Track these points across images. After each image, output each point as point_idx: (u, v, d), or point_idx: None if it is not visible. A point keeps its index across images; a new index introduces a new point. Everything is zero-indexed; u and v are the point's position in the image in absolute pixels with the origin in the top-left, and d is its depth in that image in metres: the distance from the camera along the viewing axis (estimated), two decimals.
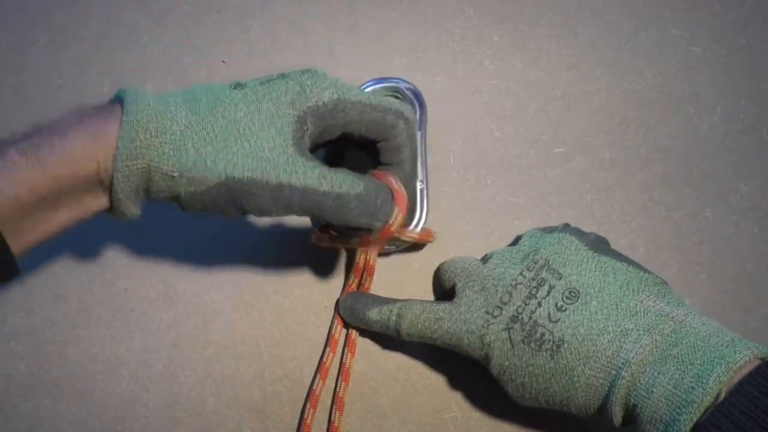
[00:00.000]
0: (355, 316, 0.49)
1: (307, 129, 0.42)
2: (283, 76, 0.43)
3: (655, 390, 0.38)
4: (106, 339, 0.52)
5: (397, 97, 0.54)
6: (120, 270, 0.53)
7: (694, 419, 0.36)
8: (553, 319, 0.42)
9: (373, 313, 0.48)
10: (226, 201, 0.41)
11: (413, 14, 0.57)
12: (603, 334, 0.41)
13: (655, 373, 0.38)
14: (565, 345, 0.41)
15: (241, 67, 0.56)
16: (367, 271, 0.50)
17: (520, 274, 0.44)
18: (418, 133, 0.52)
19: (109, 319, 0.52)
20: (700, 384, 0.37)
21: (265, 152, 0.40)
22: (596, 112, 0.56)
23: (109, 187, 0.39)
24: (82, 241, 0.53)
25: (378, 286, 0.51)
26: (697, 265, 0.53)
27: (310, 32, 0.57)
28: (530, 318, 0.43)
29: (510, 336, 0.43)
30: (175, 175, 0.39)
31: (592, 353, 0.40)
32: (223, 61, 0.57)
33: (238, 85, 0.42)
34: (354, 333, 0.50)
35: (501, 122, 0.56)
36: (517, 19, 0.57)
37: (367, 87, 0.53)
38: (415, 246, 0.52)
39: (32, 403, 0.51)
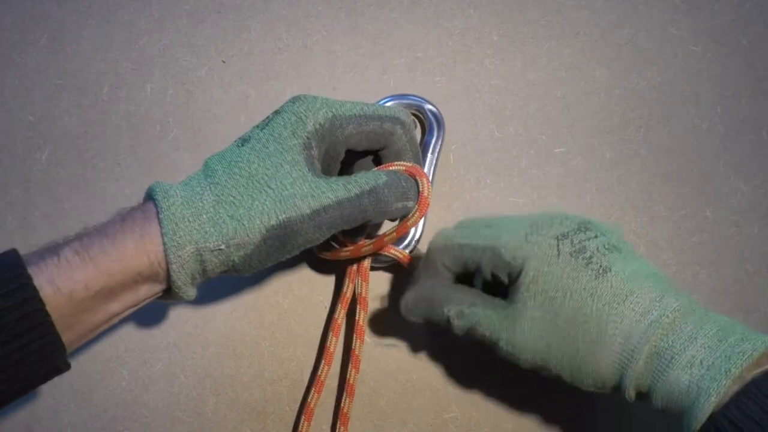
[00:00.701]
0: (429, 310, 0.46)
1: (315, 152, 0.43)
2: (277, 113, 0.44)
3: (698, 338, 0.39)
4: (106, 339, 0.52)
5: (419, 117, 0.54)
6: None
7: (741, 366, 0.37)
8: (602, 252, 0.42)
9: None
10: (277, 249, 0.42)
11: (413, 14, 0.57)
12: (649, 278, 0.41)
13: (697, 327, 0.39)
14: (612, 272, 0.41)
15: (241, 67, 0.56)
16: (362, 276, 0.50)
17: (567, 226, 0.44)
18: (430, 156, 0.52)
19: None
20: (747, 341, 0.38)
21: (287, 189, 0.41)
22: (596, 112, 0.56)
23: (166, 279, 0.41)
24: None
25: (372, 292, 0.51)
26: (697, 265, 0.53)
27: (310, 32, 0.57)
28: (580, 241, 0.43)
29: (558, 245, 0.43)
30: (223, 247, 0.41)
31: (636, 289, 0.41)
32: (223, 61, 0.57)
33: (243, 142, 0.44)
34: (362, 318, 0.49)
35: (501, 122, 0.56)
36: (517, 19, 0.57)
37: (386, 103, 0.53)
38: (399, 265, 0.51)
39: (32, 403, 0.51)
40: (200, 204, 0.41)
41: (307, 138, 0.43)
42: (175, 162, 0.55)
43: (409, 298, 0.46)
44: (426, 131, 0.53)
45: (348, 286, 0.50)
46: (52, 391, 0.51)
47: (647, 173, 0.55)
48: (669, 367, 0.39)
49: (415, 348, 0.52)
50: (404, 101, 0.54)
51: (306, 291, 0.53)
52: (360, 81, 0.56)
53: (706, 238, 0.54)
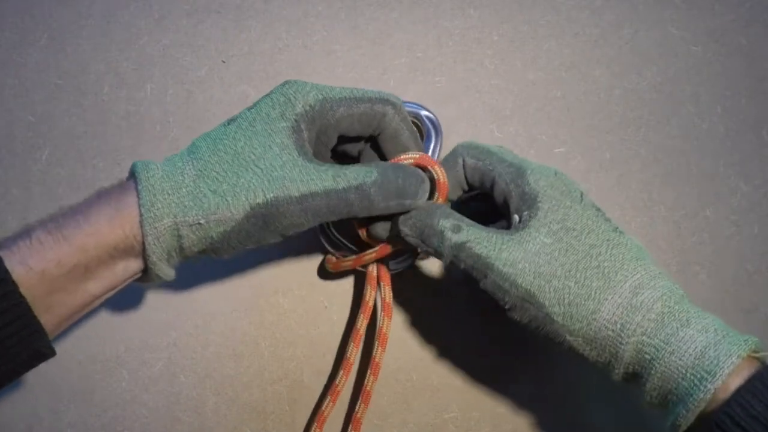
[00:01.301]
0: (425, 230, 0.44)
1: (305, 135, 0.43)
2: (266, 95, 0.44)
3: (709, 315, 0.39)
4: (106, 339, 0.52)
5: (416, 125, 0.54)
6: None
7: (751, 347, 0.37)
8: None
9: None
10: (260, 229, 0.41)
11: (413, 14, 0.57)
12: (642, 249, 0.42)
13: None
14: (628, 237, 0.42)
15: (241, 67, 0.56)
16: (383, 280, 0.48)
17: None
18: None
19: (109, 319, 0.52)
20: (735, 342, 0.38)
21: (277, 170, 0.41)
22: (596, 112, 0.56)
23: (141, 253, 0.41)
24: None
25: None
26: (697, 265, 0.53)
27: (310, 32, 0.57)
28: (600, 208, 0.44)
29: (582, 195, 0.44)
30: (202, 221, 0.40)
31: (648, 258, 0.42)
32: (223, 61, 0.57)
33: (230, 121, 0.43)
34: (386, 326, 0.48)
35: (501, 122, 0.56)
36: (517, 19, 0.57)
37: None
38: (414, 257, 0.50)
39: (32, 403, 0.51)
40: (180, 178, 0.41)
41: (296, 120, 0.42)
42: None
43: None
44: (424, 138, 0.52)
45: (369, 293, 0.48)
46: (52, 391, 0.51)
47: (647, 173, 0.55)
48: (684, 327, 0.38)
49: (415, 348, 0.52)
50: None
51: (306, 291, 0.53)
52: (360, 81, 0.56)
53: (706, 238, 0.54)
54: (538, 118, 0.56)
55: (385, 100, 0.45)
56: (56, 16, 0.57)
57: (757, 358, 0.38)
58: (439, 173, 0.45)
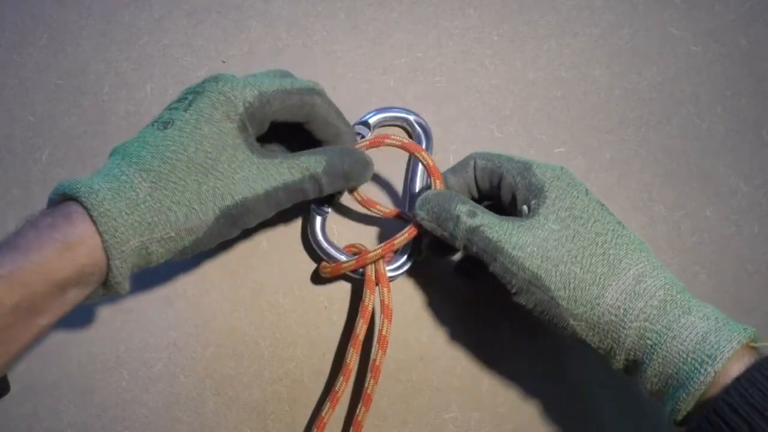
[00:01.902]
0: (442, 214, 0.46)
1: (251, 131, 0.44)
2: (198, 93, 0.43)
3: (710, 306, 0.40)
4: (106, 339, 0.52)
5: (406, 130, 0.54)
6: None
7: (749, 337, 0.38)
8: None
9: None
10: (228, 227, 0.42)
11: (413, 14, 0.57)
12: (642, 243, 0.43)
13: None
14: (631, 230, 0.43)
15: (241, 67, 0.56)
16: (382, 282, 0.49)
17: None
18: (421, 167, 0.51)
19: (109, 319, 0.52)
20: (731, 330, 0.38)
21: (237, 172, 0.41)
22: (596, 112, 0.56)
23: (100, 278, 0.39)
24: None
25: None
26: (697, 265, 0.53)
27: (310, 32, 0.57)
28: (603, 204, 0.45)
29: (587, 189, 0.45)
30: (173, 234, 0.40)
31: (650, 253, 0.42)
32: (223, 61, 0.57)
33: (165, 124, 0.42)
34: (386, 328, 0.48)
35: (501, 122, 0.56)
36: (517, 19, 0.57)
37: (370, 117, 0.53)
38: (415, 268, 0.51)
39: (32, 403, 0.51)
40: (133, 193, 0.39)
41: (240, 120, 0.43)
42: None
43: (429, 193, 0.46)
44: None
45: (368, 297, 0.48)
46: (52, 391, 0.51)
47: (647, 173, 0.55)
48: (686, 314, 0.39)
49: (415, 348, 0.52)
50: (389, 114, 0.53)
51: (306, 291, 0.53)
52: (360, 81, 0.56)
53: (706, 238, 0.54)
54: (538, 118, 0.56)
55: (311, 90, 0.46)
56: (56, 16, 0.57)
57: (755, 348, 0.38)
58: (426, 157, 0.48)
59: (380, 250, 0.48)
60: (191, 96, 0.43)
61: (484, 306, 0.52)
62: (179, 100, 0.43)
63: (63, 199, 0.39)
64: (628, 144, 0.55)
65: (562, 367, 0.51)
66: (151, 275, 0.53)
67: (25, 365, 0.51)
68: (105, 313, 0.52)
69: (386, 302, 0.48)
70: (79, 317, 0.52)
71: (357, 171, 0.47)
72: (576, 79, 0.56)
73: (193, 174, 0.40)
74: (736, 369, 0.37)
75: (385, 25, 0.57)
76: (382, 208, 0.49)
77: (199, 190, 0.40)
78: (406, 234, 0.48)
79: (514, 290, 0.42)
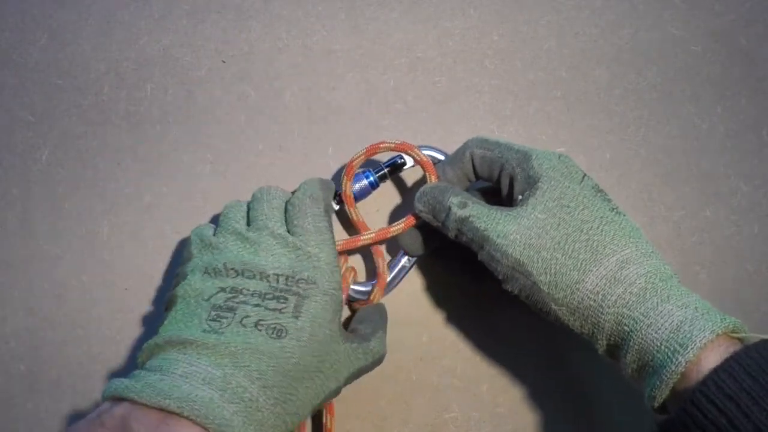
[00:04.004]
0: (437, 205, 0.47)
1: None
2: (299, 295, 0.43)
3: (693, 295, 0.40)
4: (106, 339, 0.52)
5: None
6: (120, 270, 0.53)
7: (728, 328, 0.37)
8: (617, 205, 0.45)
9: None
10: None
11: (413, 14, 0.57)
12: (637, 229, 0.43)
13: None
14: (626, 217, 0.43)
15: (241, 67, 0.56)
16: (377, 253, 0.50)
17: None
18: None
19: (109, 319, 0.52)
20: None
21: (334, 366, 0.43)
22: (596, 112, 0.56)
23: None
24: (82, 242, 0.53)
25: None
26: (697, 265, 0.53)
27: (310, 32, 0.57)
28: (602, 189, 0.45)
29: (584, 177, 0.45)
30: None
31: (641, 239, 0.42)
32: (223, 61, 0.57)
33: (278, 332, 0.41)
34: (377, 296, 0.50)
35: (501, 122, 0.56)
36: (517, 19, 0.57)
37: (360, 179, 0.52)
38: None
39: (32, 403, 0.51)
40: (260, 415, 0.39)
41: (338, 312, 0.44)
42: (175, 162, 0.55)
43: (426, 187, 0.48)
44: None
45: (382, 265, 0.50)
46: (52, 391, 0.51)
47: (647, 173, 0.55)
48: (664, 302, 0.39)
49: (415, 348, 0.52)
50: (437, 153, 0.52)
51: None
52: (360, 81, 0.56)
53: (706, 238, 0.54)
54: (538, 118, 0.56)
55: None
56: (56, 16, 0.57)
57: (739, 339, 0.38)
58: (418, 154, 0.49)
59: (374, 234, 0.49)
60: (294, 298, 0.42)
61: (484, 306, 0.52)
62: (278, 299, 0.42)
63: (193, 423, 0.37)
64: (628, 144, 0.55)
65: (562, 367, 0.51)
66: (152, 275, 0.53)
67: (25, 365, 0.51)
68: (105, 313, 0.52)
69: (381, 271, 0.50)
70: (80, 317, 0.52)
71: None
72: (576, 79, 0.56)
73: (305, 381, 0.41)
74: (715, 358, 0.36)
75: (385, 25, 0.57)
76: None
77: (306, 394, 0.42)
78: (403, 223, 0.49)
79: (501, 277, 0.43)
